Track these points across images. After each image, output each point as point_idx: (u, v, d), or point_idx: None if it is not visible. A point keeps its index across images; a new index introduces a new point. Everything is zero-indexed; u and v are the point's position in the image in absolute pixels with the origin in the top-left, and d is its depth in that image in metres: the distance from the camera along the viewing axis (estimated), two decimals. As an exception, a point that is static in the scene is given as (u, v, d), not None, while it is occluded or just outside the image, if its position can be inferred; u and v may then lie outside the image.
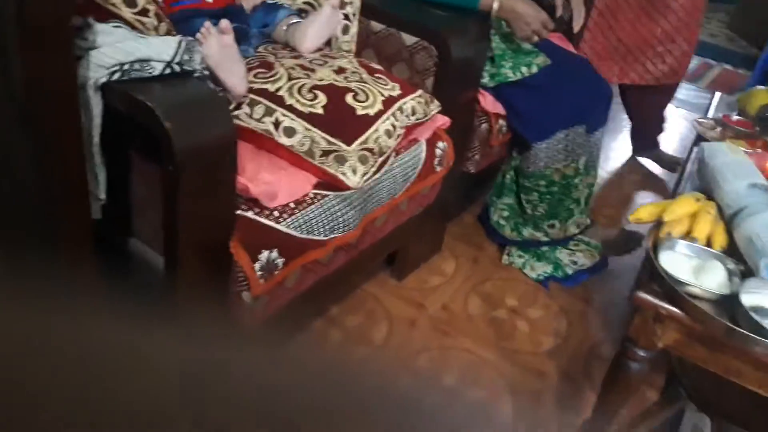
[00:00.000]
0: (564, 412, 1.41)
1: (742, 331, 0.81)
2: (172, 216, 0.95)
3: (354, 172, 1.08)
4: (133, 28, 0.99)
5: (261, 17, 1.33)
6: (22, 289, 0.20)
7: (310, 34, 1.29)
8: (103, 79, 0.88)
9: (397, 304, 1.67)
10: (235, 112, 1.07)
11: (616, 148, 2.71)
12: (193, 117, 0.88)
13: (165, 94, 0.87)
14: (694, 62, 4.17)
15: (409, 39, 1.47)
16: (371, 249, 1.41)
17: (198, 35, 1.02)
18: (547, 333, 1.63)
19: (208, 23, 1.04)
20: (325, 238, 1.15)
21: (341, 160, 1.08)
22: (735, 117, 1.50)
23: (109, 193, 1.06)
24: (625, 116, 2.50)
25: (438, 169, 1.45)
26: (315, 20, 1.31)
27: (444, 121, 1.42)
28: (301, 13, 1.41)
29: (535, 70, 1.65)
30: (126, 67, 0.89)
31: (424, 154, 1.39)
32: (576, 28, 1.82)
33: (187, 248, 1.00)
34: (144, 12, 1.03)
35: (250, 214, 1.04)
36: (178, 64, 0.92)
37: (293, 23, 1.32)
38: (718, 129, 1.44)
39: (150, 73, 0.90)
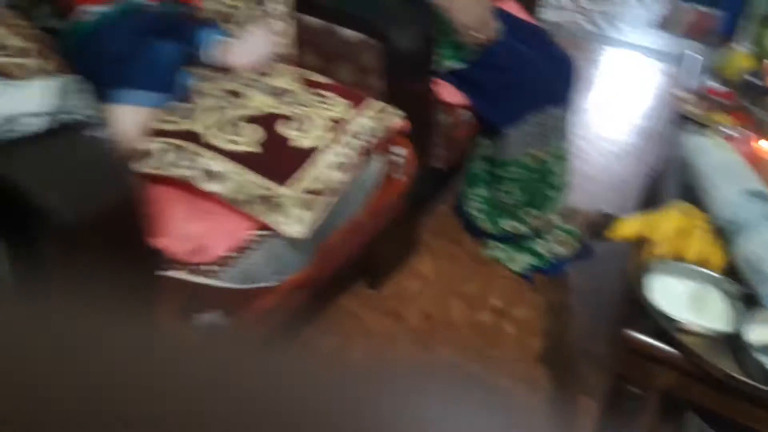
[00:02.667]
0: (561, 424, 1.31)
1: (743, 378, 0.70)
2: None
3: (296, 220, 0.94)
4: (4, 74, 0.83)
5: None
6: None
7: (241, 50, 1.14)
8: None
9: (374, 317, 1.55)
10: (148, 160, 0.93)
11: (577, 124, 2.56)
12: (76, 185, 0.72)
13: (36, 162, 0.72)
14: (662, 6, 3.92)
15: (350, 34, 1.32)
16: (339, 272, 1.29)
17: None
18: (534, 334, 1.52)
19: None
20: (276, 284, 1.02)
21: (278, 207, 0.94)
22: (714, 85, 1.36)
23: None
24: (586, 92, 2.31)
25: (399, 177, 1.31)
26: (248, 37, 1.16)
27: (400, 124, 1.27)
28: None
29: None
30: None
31: (378, 166, 1.25)
32: None
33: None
34: (25, 53, 0.87)
35: (178, 274, 0.91)
36: (56, 114, 0.77)
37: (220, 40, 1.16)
38: (698, 102, 1.30)
39: (24, 132, 0.75)
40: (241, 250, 0.97)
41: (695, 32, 3.37)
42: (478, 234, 1.75)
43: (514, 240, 1.69)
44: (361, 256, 1.39)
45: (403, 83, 1.32)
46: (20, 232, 0.84)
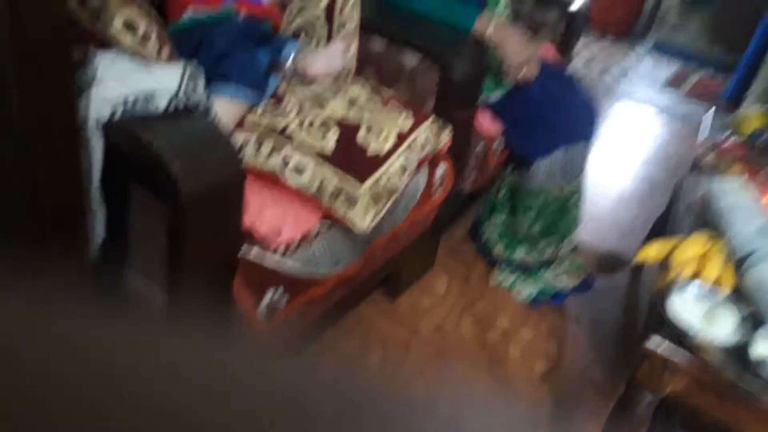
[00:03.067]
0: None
1: (744, 387, 0.81)
2: (177, 255, 0.91)
3: (364, 215, 1.06)
4: (137, 53, 0.94)
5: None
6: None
7: (319, 62, 1.26)
8: (106, 116, 0.84)
9: (390, 325, 1.65)
10: (243, 151, 1.04)
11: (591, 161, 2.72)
12: (200, 160, 0.84)
13: (171, 135, 0.84)
14: (674, 68, 4.13)
15: (410, 58, 1.45)
16: (369, 277, 1.40)
17: None
18: (538, 355, 1.63)
19: None
20: (327, 273, 1.13)
21: (351, 201, 1.06)
22: (728, 140, 1.52)
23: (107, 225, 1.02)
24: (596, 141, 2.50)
25: (437, 193, 1.44)
26: (325, 52, 1.29)
27: (448, 144, 1.40)
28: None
29: None
30: (130, 102, 0.85)
31: (424, 179, 1.37)
32: None
33: (190, 287, 0.96)
34: (146, 37, 0.98)
35: (254, 252, 1.01)
36: (183, 95, 0.88)
37: (300, 53, 1.30)
38: (714, 154, 1.45)
39: (156, 108, 0.86)
40: (308, 238, 1.08)
41: (700, 94, 3.58)
42: (491, 260, 1.87)
43: (523, 269, 1.81)
44: (387, 266, 1.50)
45: (452, 108, 1.45)
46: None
